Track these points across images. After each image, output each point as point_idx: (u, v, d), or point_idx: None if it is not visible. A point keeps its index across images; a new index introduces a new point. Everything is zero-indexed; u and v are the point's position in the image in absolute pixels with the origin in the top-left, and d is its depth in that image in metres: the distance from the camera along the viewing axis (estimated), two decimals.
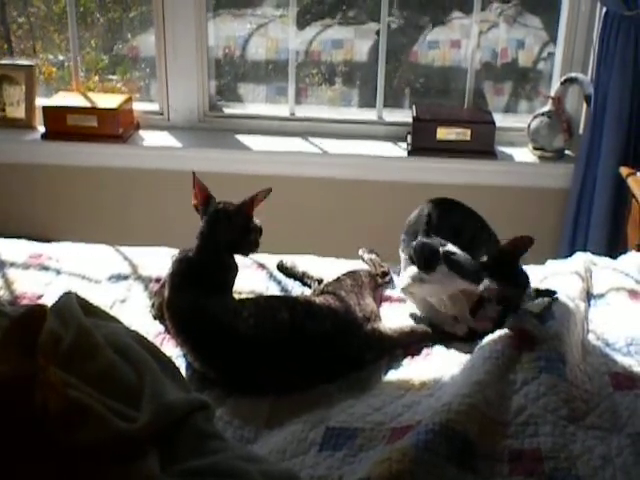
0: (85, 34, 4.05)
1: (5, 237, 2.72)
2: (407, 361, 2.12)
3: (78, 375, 1.60)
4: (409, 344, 2.16)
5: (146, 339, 1.89)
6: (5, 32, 4.10)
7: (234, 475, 1.53)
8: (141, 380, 1.68)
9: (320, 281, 2.38)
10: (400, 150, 3.64)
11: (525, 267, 2.57)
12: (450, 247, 2.22)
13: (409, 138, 3.63)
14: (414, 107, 3.67)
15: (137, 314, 2.27)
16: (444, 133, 3.56)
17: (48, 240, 2.82)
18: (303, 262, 2.53)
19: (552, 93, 3.59)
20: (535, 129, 3.57)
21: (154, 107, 3.81)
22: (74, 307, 1.82)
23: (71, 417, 1.51)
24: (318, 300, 2.18)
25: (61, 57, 4.07)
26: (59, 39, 4.06)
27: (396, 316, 2.29)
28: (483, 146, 3.57)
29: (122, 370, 1.70)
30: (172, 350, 2.13)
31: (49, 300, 2.10)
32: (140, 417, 1.59)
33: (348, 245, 2.62)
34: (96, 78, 4.09)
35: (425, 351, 2.15)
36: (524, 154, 3.63)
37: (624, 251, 2.91)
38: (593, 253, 2.70)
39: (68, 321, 1.76)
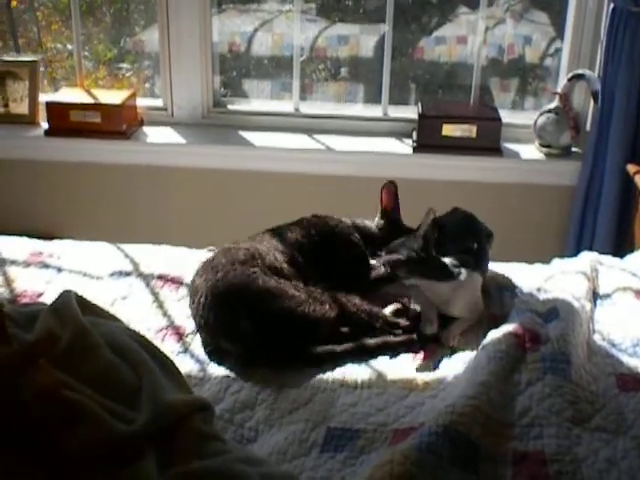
0: (92, 29, 4.04)
1: (8, 234, 2.71)
2: (410, 359, 2.10)
3: (75, 375, 1.59)
4: None
5: (145, 338, 1.88)
6: (10, 27, 4.08)
7: (234, 478, 1.52)
8: (139, 380, 1.67)
9: None
10: (405, 147, 3.62)
11: (530, 266, 2.57)
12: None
13: (414, 135, 3.60)
14: (420, 103, 3.64)
15: (138, 311, 2.26)
16: (450, 130, 3.53)
17: (51, 236, 2.81)
18: None
19: (559, 89, 3.55)
20: (542, 126, 3.54)
21: (158, 103, 3.79)
22: (72, 306, 1.80)
23: (67, 418, 1.49)
24: None
25: (70, 47, 4.05)
26: (67, 32, 4.05)
27: None
28: (489, 143, 3.54)
29: (120, 370, 1.68)
30: (173, 346, 2.12)
31: (49, 298, 2.09)
32: (138, 418, 1.57)
33: None
34: (104, 68, 4.09)
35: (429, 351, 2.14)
36: (530, 151, 3.60)
37: (631, 249, 2.89)
38: (600, 251, 2.68)
39: (66, 320, 1.75)
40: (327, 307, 2.15)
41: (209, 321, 2.13)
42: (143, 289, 2.37)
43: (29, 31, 4.18)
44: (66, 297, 1.86)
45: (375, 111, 3.77)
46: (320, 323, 2.12)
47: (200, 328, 2.16)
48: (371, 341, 2.12)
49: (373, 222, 2.56)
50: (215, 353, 2.11)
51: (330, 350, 2.08)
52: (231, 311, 2.10)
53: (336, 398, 1.93)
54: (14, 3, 4.06)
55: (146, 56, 4.10)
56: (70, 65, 4.06)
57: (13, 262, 2.49)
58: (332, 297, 2.20)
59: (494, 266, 2.52)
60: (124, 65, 4.11)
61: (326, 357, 2.06)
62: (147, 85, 4.14)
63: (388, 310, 2.25)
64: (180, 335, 2.17)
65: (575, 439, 1.77)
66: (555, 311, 2.17)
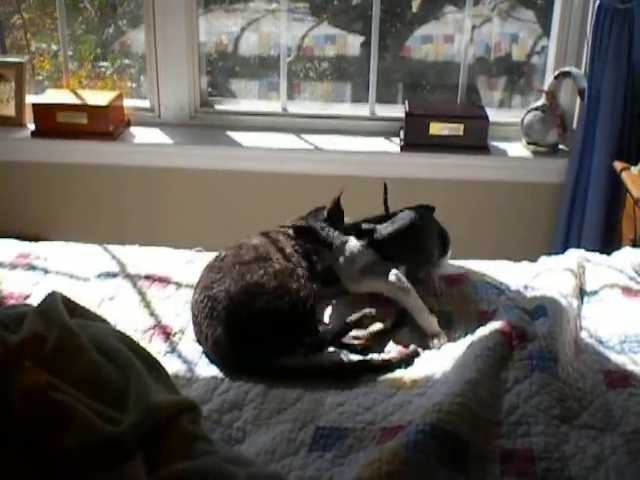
0: (77, 30, 4.02)
1: None
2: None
3: (62, 377, 1.59)
4: None
5: (132, 339, 1.87)
6: None
7: (221, 478, 1.51)
8: (126, 382, 1.67)
9: None
10: (393, 146, 3.62)
11: (517, 264, 2.57)
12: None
13: (402, 133, 3.61)
14: (407, 102, 3.64)
15: (126, 311, 2.25)
16: (437, 128, 3.53)
17: (39, 238, 2.80)
18: None
19: (546, 87, 3.56)
20: (529, 124, 3.55)
21: (145, 104, 3.78)
22: (59, 307, 1.80)
23: (54, 420, 1.49)
24: None
25: (54, 47, 4.04)
26: (53, 35, 4.03)
27: None
28: (476, 141, 3.55)
29: (107, 372, 1.68)
30: (161, 346, 2.12)
31: (36, 300, 2.08)
32: (125, 419, 1.57)
33: None
34: (88, 67, 4.08)
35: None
36: (517, 149, 3.60)
37: (618, 246, 2.90)
38: (587, 248, 2.68)
39: (52, 322, 1.74)
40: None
41: (197, 319, 2.15)
42: (130, 289, 2.36)
43: (16, 34, 4.16)
44: (52, 299, 1.85)
45: (362, 110, 3.78)
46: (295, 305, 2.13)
47: (192, 321, 2.18)
48: (350, 360, 2.09)
49: None
50: None
51: (297, 365, 2.06)
52: (212, 320, 2.11)
53: (324, 397, 1.93)
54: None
55: (131, 58, 4.09)
56: (54, 65, 4.05)
57: (0, 264, 2.48)
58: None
59: (481, 264, 2.52)
60: (104, 64, 4.10)
61: (292, 372, 2.04)
62: (133, 85, 4.13)
63: (353, 317, 2.21)
64: (167, 335, 2.17)
65: (563, 436, 1.77)
66: (542, 308, 2.16)
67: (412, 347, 2.11)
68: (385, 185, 2.50)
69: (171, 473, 1.52)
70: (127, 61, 4.10)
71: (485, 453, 1.72)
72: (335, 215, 2.43)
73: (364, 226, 2.32)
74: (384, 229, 2.29)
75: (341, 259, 2.26)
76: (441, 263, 2.44)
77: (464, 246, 2.59)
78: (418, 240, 2.33)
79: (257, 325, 2.08)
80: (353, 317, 2.20)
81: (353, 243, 2.26)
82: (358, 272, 2.24)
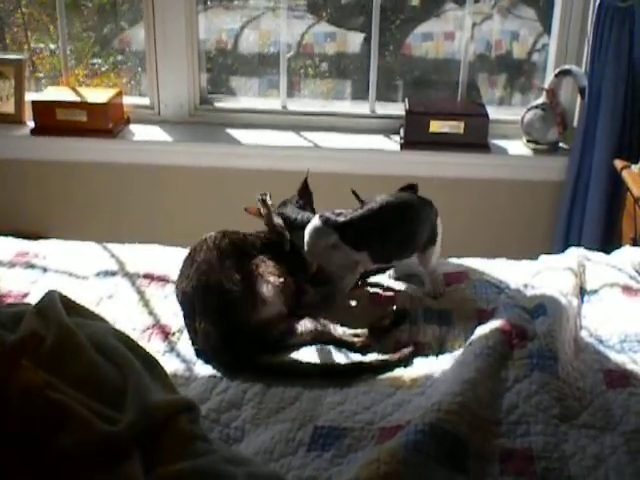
0: (77, 27, 4.02)
1: None
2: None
3: (60, 376, 1.58)
4: None
5: (130, 339, 1.87)
6: None
7: (219, 478, 1.51)
8: (125, 381, 1.66)
9: None
10: (393, 143, 3.61)
11: (517, 262, 2.56)
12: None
13: (402, 131, 3.60)
14: (407, 100, 3.63)
15: (124, 310, 2.25)
16: (437, 126, 3.53)
17: (37, 236, 2.79)
18: None
19: (546, 85, 3.55)
20: (529, 122, 3.54)
21: (144, 101, 3.78)
22: (57, 306, 1.79)
23: (52, 419, 1.49)
24: None
25: (52, 46, 4.04)
26: (52, 32, 4.03)
27: None
28: (476, 139, 3.54)
29: (105, 371, 1.68)
30: (159, 346, 2.11)
31: (35, 298, 2.07)
32: (123, 419, 1.56)
33: None
34: (85, 66, 4.09)
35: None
36: (518, 147, 3.60)
37: (619, 245, 2.89)
38: (587, 247, 2.68)
39: (50, 321, 1.74)
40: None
41: (188, 320, 2.17)
42: (129, 288, 2.36)
43: (15, 31, 4.15)
44: (50, 297, 1.85)
45: (363, 108, 3.77)
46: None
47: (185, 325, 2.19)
48: (349, 361, 2.09)
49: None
50: None
51: (293, 365, 2.06)
52: (196, 315, 2.12)
53: (323, 396, 1.93)
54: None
55: (128, 53, 4.09)
56: (51, 62, 4.05)
57: None
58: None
59: (481, 262, 2.52)
60: (98, 60, 4.09)
61: (288, 372, 2.03)
62: (132, 82, 4.12)
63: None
64: (166, 334, 2.16)
65: (562, 436, 1.77)
66: (542, 307, 2.16)
67: (411, 346, 2.11)
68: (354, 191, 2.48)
69: (169, 473, 1.51)
70: (120, 57, 4.10)
71: (484, 452, 1.72)
72: (305, 195, 2.57)
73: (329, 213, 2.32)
74: (350, 213, 2.30)
75: (306, 237, 2.30)
76: (424, 259, 2.36)
77: (464, 244, 2.58)
78: (383, 228, 2.27)
79: (220, 295, 2.12)
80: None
81: (316, 221, 2.29)
82: (319, 253, 2.29)
